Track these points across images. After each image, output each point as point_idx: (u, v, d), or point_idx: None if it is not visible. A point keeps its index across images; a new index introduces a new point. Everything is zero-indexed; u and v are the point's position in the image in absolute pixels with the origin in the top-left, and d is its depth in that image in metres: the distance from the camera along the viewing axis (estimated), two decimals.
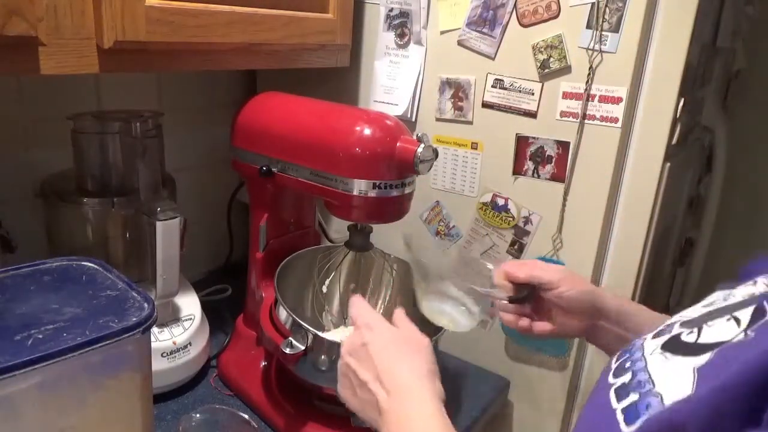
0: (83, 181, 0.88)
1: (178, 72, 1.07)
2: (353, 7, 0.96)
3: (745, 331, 0.35)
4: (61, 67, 0.59)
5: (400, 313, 0.65)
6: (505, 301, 0.71)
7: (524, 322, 0.72)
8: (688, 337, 0.38)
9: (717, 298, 0.43)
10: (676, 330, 0.40)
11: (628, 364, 0.41)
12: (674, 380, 0.35)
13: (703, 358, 0.35)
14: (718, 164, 1.28)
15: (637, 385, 0.38)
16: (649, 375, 0.38)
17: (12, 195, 0.87)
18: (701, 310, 0.42)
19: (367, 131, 0.72)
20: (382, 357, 0.57)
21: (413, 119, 1.00)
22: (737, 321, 0.36)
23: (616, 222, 0.88)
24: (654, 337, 0.42)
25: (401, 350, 0.58)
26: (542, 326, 0.72)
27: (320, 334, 0.73)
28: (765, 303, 0.36)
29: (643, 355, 0.40)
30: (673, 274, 1.26)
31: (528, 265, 0.70)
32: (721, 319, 0.38)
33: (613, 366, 0.42)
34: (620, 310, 0.67)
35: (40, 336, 0.50)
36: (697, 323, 0.39)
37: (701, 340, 0.37)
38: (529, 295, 0.70)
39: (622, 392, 0.38)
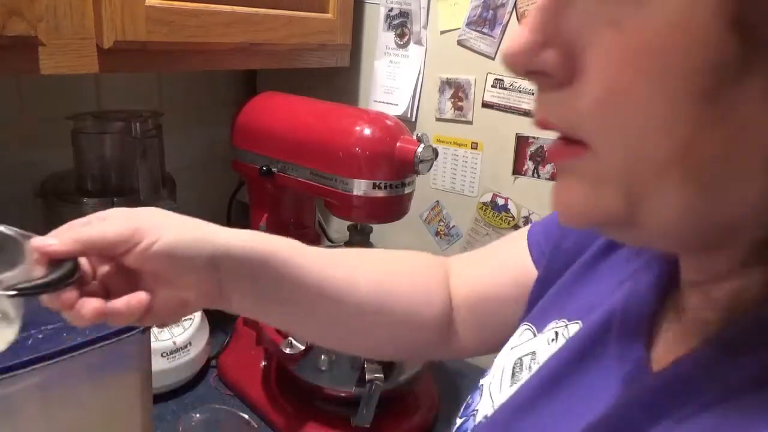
0: (83, 181, 0.88)
1: (178, 72, 1.07)
2: (353, 7, 0.96)
3: None
4: (61, 67, 0.59)
5: None
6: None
7: (89, 305, 0.37)
8: None
9: (521, 364, 0.41)
10: None
11: None
12: None
13: None
14: None
15: None
16: None
17: (12, 195, 0.87)
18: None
19: (367, 131, 0.72)
20: None
21: (413, 119, 1.00)
22: None
23: None
24: None
25: None
26: (128, 301, 0.38)
27: None
28: None
29: None
30: None
31: (70, 227, 0.39)
32: None
33: None
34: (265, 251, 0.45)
35: (40, 336, 0.50)
36: None
37: None
38: (67, 274, 0.37)
39: None
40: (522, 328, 0.44)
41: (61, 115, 0.85)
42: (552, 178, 0.89)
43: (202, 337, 0.91)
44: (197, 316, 0.91)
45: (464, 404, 0.44)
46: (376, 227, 0.84)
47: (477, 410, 0.42)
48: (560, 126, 0.27)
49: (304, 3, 0.86)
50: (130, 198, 0.86)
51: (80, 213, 0.90)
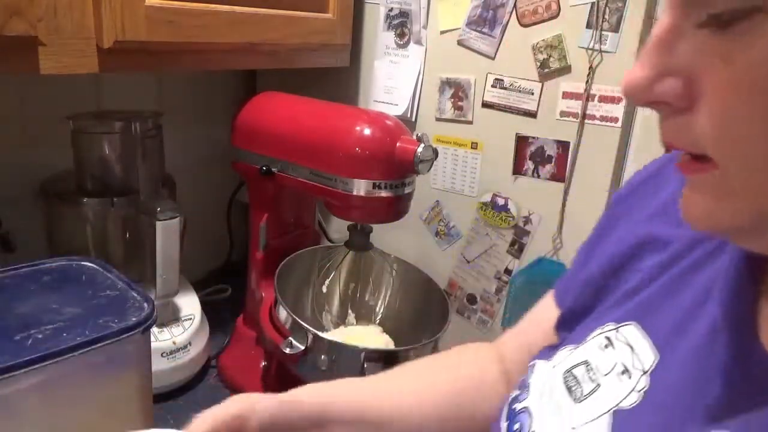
0: (83, 181, 0.88)
1: (178, 72, 1.07)
2: (353, 7, 0.96)
3: None
4: (61, 67, 0.59)
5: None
6: None
7: None
8: None
9: (573, 386, 0.38)
10: None
11: None
12: None
13: None
14: None
15: None
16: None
17: (12, 195, 0.87)
18: (586, 420, 0.36)
19: (367, 131, 0.72)
20: None
21: (413, 119, 1.00)
22: None
23: None
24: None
25: None
26: None
27: (320, 334, 0.73)
28: None
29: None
30: None
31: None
32: None
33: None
34: (325, 410, 0.49)
35: (40, 336, 0.50)
36: None
37: None
38: None
39: None
40: (556, 351, 0.43)
41: (61, 115, 0.85)
42: (552, 178, 0.89)
43: (202, 337, 0.91)
44: (197, 315, 0.91)
45: (501, 429, 0.41)
46: (376, 227, 0.84)
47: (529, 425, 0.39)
48: (686, 147, 0.29)
49: (304, 3, 0.86)
50: (130, 198, 0.86)
51: (80, 213, 0.90)
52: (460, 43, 0.93)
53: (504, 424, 0.41)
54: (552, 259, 0.92)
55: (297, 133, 0.78)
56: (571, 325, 0.44)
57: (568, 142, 0.87)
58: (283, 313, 0.77)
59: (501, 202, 0.94)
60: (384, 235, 0.89)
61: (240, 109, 0.86)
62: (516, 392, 0.43)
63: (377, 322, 0.93)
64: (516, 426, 0.40)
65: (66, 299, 0.56)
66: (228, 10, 0.73)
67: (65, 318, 0.53)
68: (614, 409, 0.35)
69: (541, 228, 0.92)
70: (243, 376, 0.89)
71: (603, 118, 0.83)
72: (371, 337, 0.86)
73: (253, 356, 0.89)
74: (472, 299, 1.02)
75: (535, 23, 0.85)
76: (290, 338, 0.74)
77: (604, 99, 0.83)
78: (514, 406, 0.42)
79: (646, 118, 0.83)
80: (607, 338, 0.38)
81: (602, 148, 0.84)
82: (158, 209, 0.80)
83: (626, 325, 0.38)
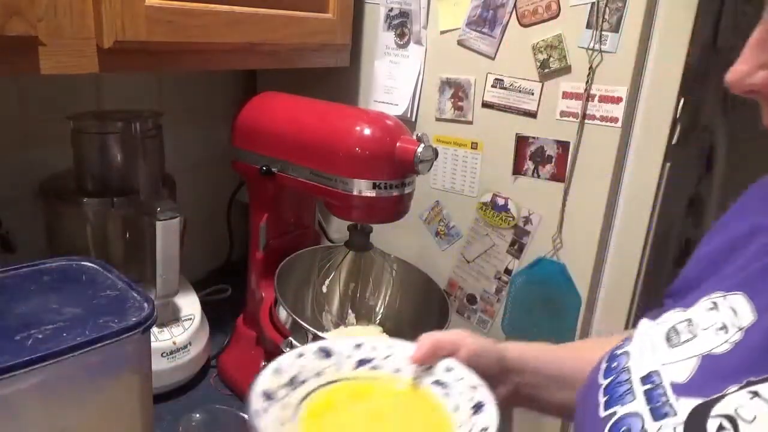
0: (83, 181, 0.88)
1: (178, 72, 1.07)
2: (353, 7, 0.96)
3: None
4: (61, 67, 0.59)
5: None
6: None
7: None
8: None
9: (672, 333, 0.42)
10: (680, 407, 0.37)
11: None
12: None
13: None
14: (718, 164, 1.28)
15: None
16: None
17: (12, 195, 0.87)
18: (677, 359, 0.39)
19: (367, 131, 0.72)
20: None
21: (413, 119, 1.00)
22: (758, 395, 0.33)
23: (616, 222, 0.88)
24: (656, 417, 0.38)
25: None
26: None
27: (320, 334, 0.73)
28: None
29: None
30: (673, 274, 1.26)
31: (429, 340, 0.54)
32: (743, 398, 0.33)
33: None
34: (525, 356, 0.58)
35: (40, 336, 0.50)
36: (701, 394, 0.36)
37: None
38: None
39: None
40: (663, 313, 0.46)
41: (61, 115, 0.85)
42: (552, 178, 0.89)
43: (202, 337, 0.91)
44: (197, 315, 0.91)
45: (601, 369, 0.45)
46: (376, 227, 0.84)
47: (628, 367, 0.42)
48: None
49: (304, 3, 0.86)
50: (130, 198, 0.86)
51: (80, 213, 0.90)
52: (460, 43, 0.93)
53: (603, 365, 0.45)
54: (552, 259, 0.92)
55: (297, 133, 0.78)
56: (683, 293, 0.48)
57: (568, 142, 0.87)
58: (283, 313, 0.77)
59: (501, 202, 0.94)
60: (384, 235, 0.89)
61: (240, 109, 0.86)
62: (619, 343, 0.47)
63: (377, 322, 0.93)
64: (614, 364, 0.44)
65: (66, 299, 0.56)
66: (228, 10, 0.73)
67: (65, 318, 0.53)
68: (705, 354, 0.38)
69: (541, 228, 0.92)
70: (243, 376, 0.89)
71: (603, 118, 0.83)
72: (371, 337, 0.86)
73: (253, 356, 0.89)
74: (472, 299, 1.02)
75: (535, 23, 0.85)
76: (290, 338, 0.74)
77: (604, 99, 0.83)
78: (615, 352, 0.46)
79: (646, 118, 0.83)
80: (714, 303, 0.41)
81: (602, 148, 0.84)
82: (158, 209, 0.80)
83: (734, 294, 0.41)
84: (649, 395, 0.39)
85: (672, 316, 0.44)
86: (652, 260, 0.90)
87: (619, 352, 0.46)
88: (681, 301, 0.46)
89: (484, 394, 0.48)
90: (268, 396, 0.51)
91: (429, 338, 0.54)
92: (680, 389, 0.38)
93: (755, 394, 0.33)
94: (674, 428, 0.36)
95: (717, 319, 0.40)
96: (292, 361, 0.53)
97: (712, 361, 0.38)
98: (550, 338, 0.94)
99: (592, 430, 0.42)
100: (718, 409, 0.34)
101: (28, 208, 0.88)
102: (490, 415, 0.46)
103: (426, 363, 0.53)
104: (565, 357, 0.61)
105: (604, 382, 0.44)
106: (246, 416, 0.76)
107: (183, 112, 1.11)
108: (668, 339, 0.42)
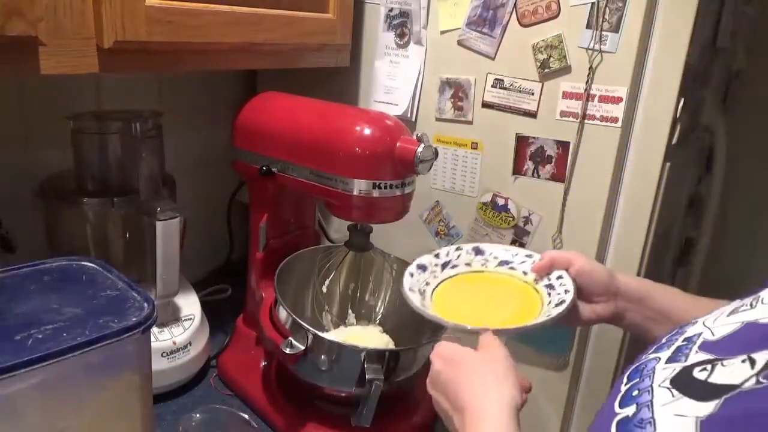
0: (83, 181, 0.88)
1: (178, 72, 1.07)
2: (353, 7, 0.96)
3: (757, 375, 0.33)
4: (61, 67, 0.59)
5: (488, 337, 0.60)
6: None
7: None
8: (700, 374, 0.37)
9: (742, 304, 0.42)
10: (692, 357, 0.39)
11: (635, 392, 0.40)
12: (676, 430, 0.34)
13: (709, 407, 0.34)
14: (718, 164, 1.28)
15: (639, 424, 0.37)
16: (653, 414, 0.36)
17: (12, 195, 0.87)
18: (725, 324, 0.41)
19: (367, 131, 0.72)
20: (460, 387, 0.56)
21: (413, 119, 1.00)
22: (752, 362, 0.34)
23: (616, 222, 0.88)
24: (668, 361, 0.41)
25: (482, 379, 0.57)
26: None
27: (320, 334, 0.73)
28: None
29: (651, 384, 0.39)
30: (673, 274, 1.26)
31: (550, 256, 0.70)
32: (736, 360, 0.35)
33: (623, 389, 0.42)
34: (639, 289, 0.67)
35: (40, 336, 0.50)
36: (715, 353, 0.38)
37: (711, 380, 0.35)
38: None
39: (622, 428, 0.38)
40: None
41: (61, 115, 0.85)
42: (552, 178, 0.89)
43: (202, 337, 0.91)
44: (197, 315, 0.91)
45: (666, 336, 0.46)
46: (376, 227, 0.84)
47: (686, 330, 0.44)
48: None
49: (304, 3, 0.86)
50: (130, 198, 0.86)
51: (80, 213, 0.90)
52: (460, 43, 0.93)
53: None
54: None
55: (297, 133, 0.78)
56: None
57: (568, 142, 0.87)
58: (283, 313, 0.77)
59: (501, 202, 0.94)
60: (384, 235, 0.89)
61: (240, 109, 0.86)
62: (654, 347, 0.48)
63: (377, 322, 0.93)
64: (677, 328, 0.46)
65: (66, 299, 0.56)
66: (228, 10, 0.73)
67: (65, 318, 0.53)
68: (750, 321, 0.39)
69: (541, 228, 0.92)
70: (243, 376, 0.89)
71: (603, 118, 0.83)
72: (371, 337, 0.86)
73: (253, 356, 0.89)
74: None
75: (535, 23, 0.85)
76: (290, 338, 0.74)
77: (604, 99, 0.83)
78: (642, 359, 0.46)
79: (646, 118, 0.83)
80: None
81: (602, 148, 0.84)
82: (158, 209, 0.80)
83: None
84: (678, 348, 0.41)
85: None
86: (652, 260, 0.90)
87: (649, 357, 0.45)
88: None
89: (570, 298, 0.63)
90: (422, 268, 0.72)
91: (549, 254, 0.69)
92: (705, 346, 0.39)
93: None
94: (674, 369, 0.39)
95: None
96: (450, 251, 0.74)
97: (750, 328, 0.38)
98: (549, 339, 0.95)
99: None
100: (717, 369, 0.36)
101: (28, 208, 0.88)
102: (559, 311, 0.62)
103: (543, 273, 0.69)
104: (676, 299, 0.67)
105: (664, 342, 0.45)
106: (246, 416, 0.76)
107: (183, 112, 1.11)
108: (733, 310, 0.42)
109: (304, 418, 0.80)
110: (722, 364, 0.36)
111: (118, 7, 0.60)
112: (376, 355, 0.72)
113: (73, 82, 0.93)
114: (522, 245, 0.94)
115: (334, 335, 0.87)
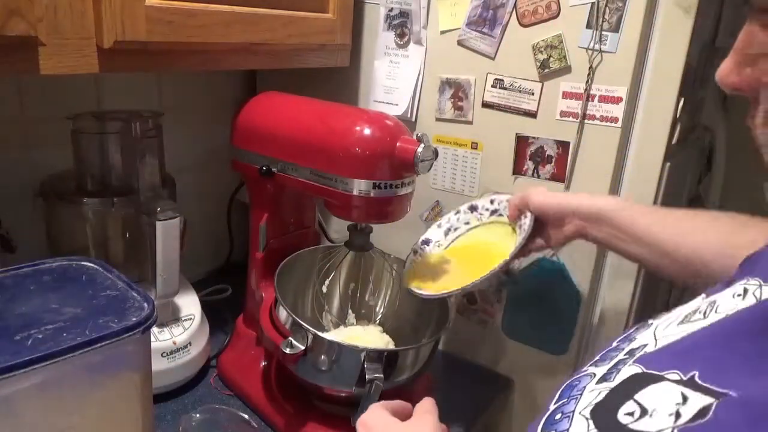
0: (83, 181, 0.88)
1: (178, 72, 1.07)
2: (353, 7, 0.96)
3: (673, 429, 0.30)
4: (61, 67, 0.59)
5: (425, 404, 0.62)
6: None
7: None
8: (625, 418, 0.33)
9: (697, 309, 0.40)
10: (624, 372, 0.36)
11: (558, 416, 0.38)
12: None
13: None
14: (718, 164, 1.28)
15: None
16: None
17: (12, 195, 0.87)
18: (671, 334, 0.38)
19: (367, 131, 0.72)
20: None
21: (413, 119, 1.00)
22: (677, 416, 0.31)
23: None
24: (600, 380, 0.38)
25: None
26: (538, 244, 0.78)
27: (320, 334, 0.73)
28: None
29: (574, 410, 0.37)
30: None
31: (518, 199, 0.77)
32: (670, 387, 0.33)
33: (551, 408, 0.40)
34: (598, 209, 0.70)
35: (40, 336, 0.50)
36: (645, 365, 0.36)
37: (634, 427, 0.32)
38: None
39: None
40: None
41: (61, 115, 0.85)
42: (552, 178, 0.89)
43: (202, 337, 0.91)
44: (197, 315, 0.91)
45: (624, 333, 0.46)
46: (376, 227, 0.84)
47: (636, 338, 0.43)
48: None
49: (304, 3, 0.86)
50: (130, 198, 0.86)
51: (80, 213, 0.90)
52: (460, 43, 0.93)
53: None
54: (552, 259, 0.92)
55: (297, 133, 0.78)
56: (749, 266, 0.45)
57: (568, 142, 0.87)
58: (283, 313, 0.77)
59: None
60: (384, 235, 0.89)
61: (240, 109, 0.86)
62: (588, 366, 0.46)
63: (377, 322, 0.93)
64: (631, 330, 0.46)
65: (66, 299, 0.56)
66: (228, 10, 0.73)
67: (65, 318, 0.53)
68: (692, 332, 0.37)
69: None
70: (243, 376, 0.89)
71: (603, 118, 0.84)
72: (371, 337, 0.86)
73: (253, 356, 0.89)
74: (472, 299, 1.02)
75: (535, 23, 0.85)
76: (290, 338, 0.74)
77: (604, 99, 0.83)
78: (650, 321, 0.46)
79: (646, 118, 0.83)
80: (745, 289, 0.39)
81: (602, 148, 0.85)
82: (158, 209, 0.80)
83: None
84: (616, 364, 0.39)
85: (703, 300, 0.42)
86: None
87: (649, 321, 0.44)
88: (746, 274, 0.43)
89: (520, 239, 0.74)
90: (426, 242, 0.85)
91: (512, 202, 0.78)
92: (642, 357, 0.37)
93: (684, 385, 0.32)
94: (599, 393, 0.36)
95: (735, 307, 0.37)
96: (450, 216, 0.85)
97: (689, 338, 0.37)
98: (550, 338, 0.95)
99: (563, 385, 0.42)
100: (642, 394, 0.33)
101: (28, 208, 0.88)
102: (506, 259, 0.73)
103: (515, 218, 0.78)
104: (638, 217, 0.68)
105: (613, 344, 0.44)
106: (246, 416, 0.76)
107: (183, 112, 1.11)
108: (685, 317, 0.40)
109: (304, 418, 0.80)
110: (650, 415, 0.32)
111: (118, 7, 0.60)
112: (376, 355, 0.72)
113: (73, 82, 0.93)
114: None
115: (334, 335, 0.87)
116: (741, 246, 0.54)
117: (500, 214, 0.81)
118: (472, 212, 0.84)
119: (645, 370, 0.35)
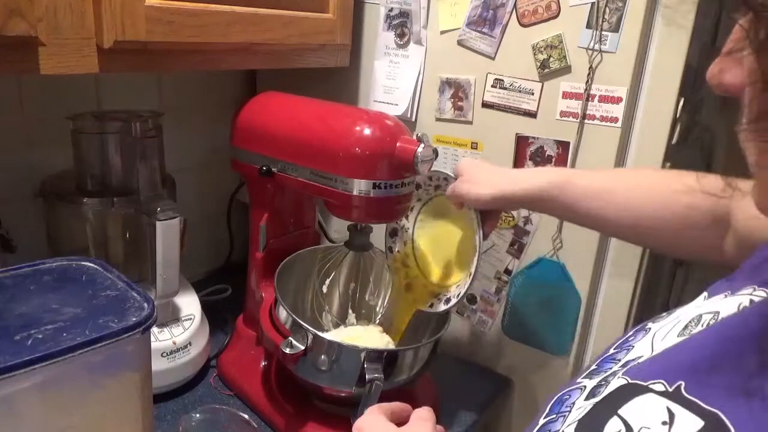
0: (83, 181, 0.88)
1: (178, 72, 1.07)
2: (353, 7, 0.96)
3: None
4: (61, 67, 0.59)
5: (421, 412, 0.60)
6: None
7: None
8: None
9: (699, 319, 0.39)
10: (613, 383, 0.36)
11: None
12: None
13: None
14: (718, 164, 1.28)
15: None
16: None
17: (12, 195, 0.87)
18: (668, 344, 0.38)
19: (367, 131, 0.72)
20: None
21: (413, 119, 1.00)
22: (671, 416, 0.30)
23: None
24: (589, 395, 0.37)
25: None
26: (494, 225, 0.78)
27: (320, 334, 0.73)
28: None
29: (560, 429, 0.36)
30: (673, 274, 1.26)
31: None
32: (655, 400, 0.32)
33: (540, 423, 0.39)
34: (531, 196, 0.68)
35: (40, 336, 0.50)
36: (631, 376, 0.35)
37: None
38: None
39: None
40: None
41: (61, 115, 0.85)
42: None
43: (202, 337, 0.91)
44: (197, 315, 0.91)
45: (622, 338, 0.44)
46: (376, 227, 0.84)
47: (633, 346, 0.41)
48: None
49: (304, 3, 0.86)
50: (130, 198, 0.86)
51: (80, 213, 0.90)
52: (460, 43, 0.93)
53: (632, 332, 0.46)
54: (552, 259, 0.92)
55: (297, 133, 0.78)
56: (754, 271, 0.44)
57: (568, 142, 0.87)
58: (283, 313, 0.77)
59: None
60: (384, 235, 0.89)
61: (240, 109, 0.86)
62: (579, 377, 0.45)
63: (377, 322, 0.94)
64: (630, 335, 0.44)
65: (66, 299, 0.56)
66: (228, 10, 0.73)
67: (65, 318, 0.53)
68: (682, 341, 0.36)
69: (541, 228, 0.92)
70: (243, 376, 0.89)
71: (603, 118, 0.83)
72: (371, 337, 0.86)
73: (253, 356, 0.89)
74: (472, 299, 1.02)
75: (535, 23, 0.85)
76: (290, 338, 0.74)
77: (604, 99, 0.83)
78: (649, 324, 0.44)
79: (646, 118, 0.83)
80: (751, 300, 0.38)
81: (602, 148, 0.84)
82: (158, 209, 0.80)
83: (764, 290, 0.38)
84: (606, 377, 0.38)
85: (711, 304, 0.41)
86: (652, 260, 0.90)
87: (648, 324, 0.43)
88: (734, 283, 0.42)
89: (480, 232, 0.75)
90: (393, 233, 0.87)
91: (451, 198, 0.76)
92: (631, 369, 0.36)
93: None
94: (584, 410, 0.35)
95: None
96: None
97: (679, 348, 0.36)
98: (550, 338, 0.95)
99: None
100: (626, 409, 0.32)
101: (28, 208, 0.88)
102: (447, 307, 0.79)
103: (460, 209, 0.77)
104: (576, 196, 0.67)
105: (610, 352, 0.43)
106: (246, 416, 0.76)
107: (183, 112, 1.11)
108: (686, 327, 0.39)
109: (304, 418, 0.80)
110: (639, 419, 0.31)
111: (118, 7, 0.60)
112: (376, 355, 0.72)
113: (73, 82, 0.93)
114: (522, 245, 0.94)
115: (334, 335, 0.87)
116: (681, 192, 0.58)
117: (443, 190, 0.80)
118: (417, 190, 0.82)
119: (630, 381, 0.35)
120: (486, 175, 0.73)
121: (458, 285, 0.80)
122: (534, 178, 0.69)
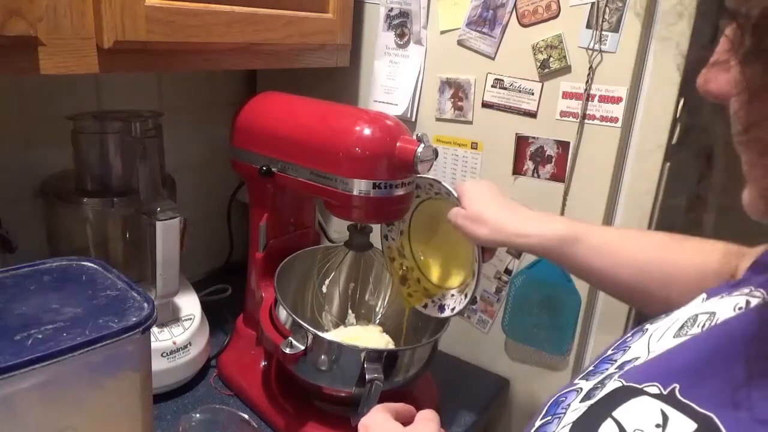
0: (83, 181, 0.88)
1: (178, 72, 1.07)
2: (353, 7, 0.96)
3: None
4: (61, 67, 0.59)
5: (426, 413, 0.61)
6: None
7: None
8: None
9: (695, 319, 0.39)
10: (609, 386, 0.35)
11: None
12: None
13: None
14: (718, 164, 1.27)
15: None
16: None
17: (12, 195, 0.87)
18: (663, 347, 0.38)
19: (367, 131, 0.72)
20: None
21: (413, 119, 1.00)
22: (665, 419, 0.30)
23: (616, 222, 0.88)
24: (584, 398, 0.37)
25: None
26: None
27: (320, 334, 0.73)
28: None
29: (556, 431, 0.36)
30: None
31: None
32: (649, 403, 0.32)
33: (536, 424, 0.39)
34: (525, 247, 0.69)
35: (40, 336, 0.50)
36: (625, 379, 0.34)
37: None
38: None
39: None
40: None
41: (61, 115, 0.85)
42: (552, 178, 0.89)
43: (202, 337, 0.91)
44: (197, 315, 0.91)
45: (620, 339, 0.44)
46: (376, 227, 0.84)
47: (630, 347, 0.41)
48: None
49: (304, 3, 0.86)
50: (130, 198, 0.86)
51: (80, 213, 0.90)
52: (460, 43, 0.93)
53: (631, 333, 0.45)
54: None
55: (297, 133, 0.78)
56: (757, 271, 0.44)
57: (568, 142, 0.87)
58: (283, 313, 0.77)
59: None
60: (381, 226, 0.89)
61: (240, 109, 0.86)
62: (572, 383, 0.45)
63: (377, 322, 0.94)
64: (628, 336, 0.44)
65: (66, 299, 0.56)
66: (228, 10, 0.73)
67: (65, 318, 0.53)
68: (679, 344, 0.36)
69: None
70: (243, 376, 0.89)
71: (603, 118, 0.83)
72: (371, 337, 0.86)
73: (253, 356, 0.89)
74: (472, 299, 1.02)
75: (535, 23, 0.85)
76: (290, 338, 0.74)
77: (604, 99, 0.83)
78: (646, 325, 0.44)
79: (646, 118, 0.83)
80: (747, 301, 0.38)
81: (602, 148, 0.84)
82: (158, 209, 0.80)
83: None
84: (602, 380, 0.38)
85: (706, 304, 0.41)
86: None
87: (645, 326, 0.43)
88: (728, 288, 0.42)
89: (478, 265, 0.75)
90: (386, 236, 0.87)
91: (456, 224, 0.72)
92: (628, 371, 0.36)
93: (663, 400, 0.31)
94: (578, 413, 0.35)
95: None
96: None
97: (677, 350, 0.36)
98: (549, 338, 0.95)
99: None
100: (621, 411, 0.32)
101: (28, 208, 0.88)
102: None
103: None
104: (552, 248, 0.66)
105: (608, 353, 0.43)
106: (246, 416, 0.76)
107: (183, 112, 1.11)
108: (681, 327, 0.39)
109: (304, 418, 0.80)
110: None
111: (118, 7, 0.60)
112: (376, 355, 0.72)
113: (73, 82, 0.93)
114: None
115: (334, 335, 0.87)
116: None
117: (440, 196, 0.78)
118: (417, 189, 0.80)
119: (625, 383, 0.35)
120: (491, 213, 0.69)
121: (453, 295, 0.80)
122: (541, 230, 0.67)
